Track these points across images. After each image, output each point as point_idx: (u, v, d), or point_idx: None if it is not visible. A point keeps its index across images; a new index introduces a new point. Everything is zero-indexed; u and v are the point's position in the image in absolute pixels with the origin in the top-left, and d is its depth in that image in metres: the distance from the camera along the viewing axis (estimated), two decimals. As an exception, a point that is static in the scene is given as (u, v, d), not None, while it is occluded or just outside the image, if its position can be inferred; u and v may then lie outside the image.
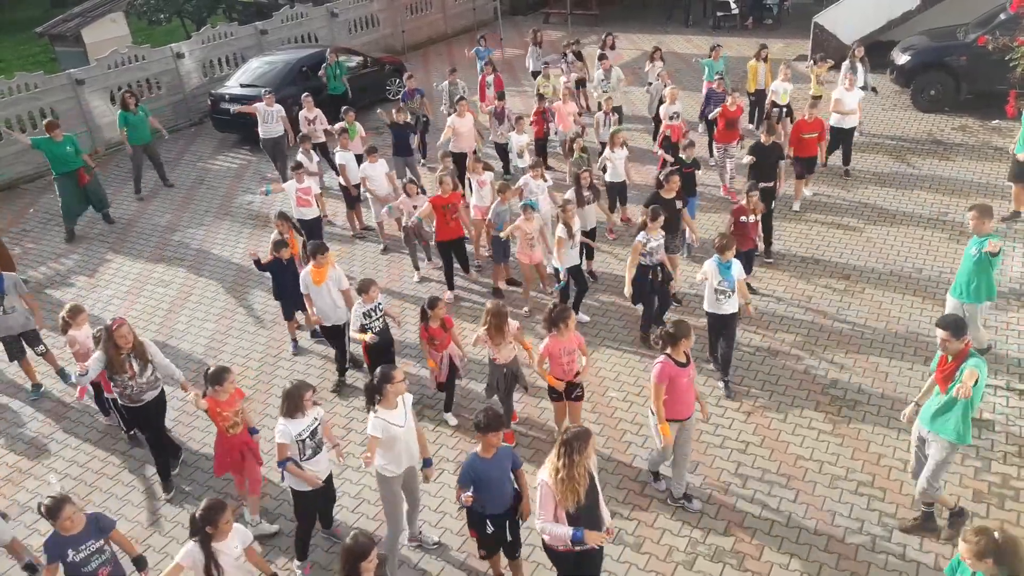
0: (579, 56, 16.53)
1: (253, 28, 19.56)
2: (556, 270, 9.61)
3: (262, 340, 10.06)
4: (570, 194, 10.02)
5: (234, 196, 14.44)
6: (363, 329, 8.02)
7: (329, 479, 6.55)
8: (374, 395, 6.08)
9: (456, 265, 10.60)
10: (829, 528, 6.71)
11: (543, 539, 5.38)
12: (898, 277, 10.36)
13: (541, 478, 5.19)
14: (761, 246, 10.44)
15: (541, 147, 13.73)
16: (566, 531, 5.10)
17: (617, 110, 13.65)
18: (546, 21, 25.51)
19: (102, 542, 5.63)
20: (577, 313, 9.39)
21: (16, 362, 9.25)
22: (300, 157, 11.87)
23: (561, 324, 6.97)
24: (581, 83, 16.44)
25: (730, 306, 8.17)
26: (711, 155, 13.95)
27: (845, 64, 14.08)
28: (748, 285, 9.52)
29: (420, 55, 22.86)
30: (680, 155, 11.01)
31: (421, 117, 14.39)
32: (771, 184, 10.65)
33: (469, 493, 5.51)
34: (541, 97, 13.87)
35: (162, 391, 7.61)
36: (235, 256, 12.20)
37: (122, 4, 22.04)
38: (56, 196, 13.14)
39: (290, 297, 9.25)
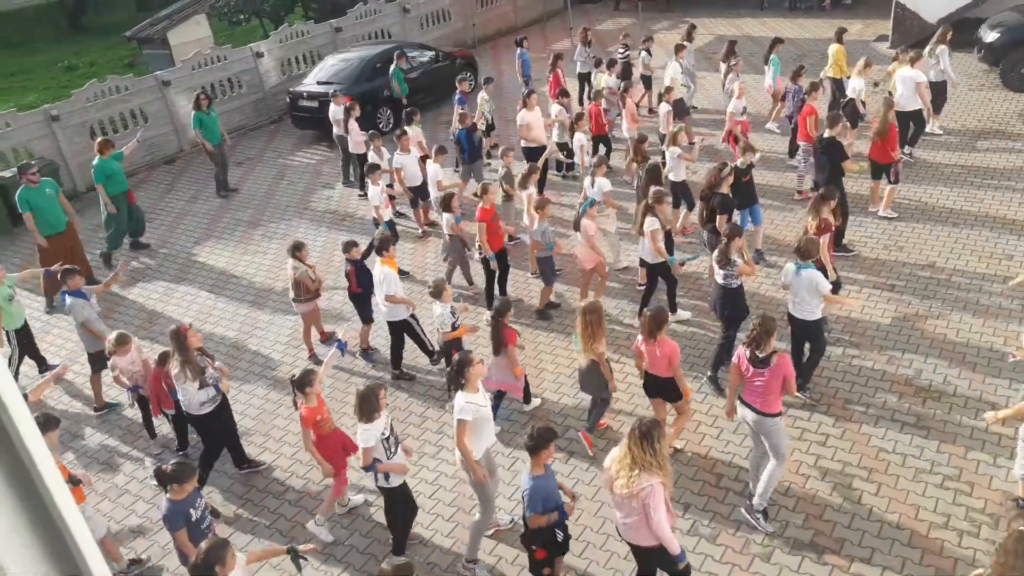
0: (647, 52, 15.80)
1: (328, 26, 20.01)
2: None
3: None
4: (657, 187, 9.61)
5: (313, 191, 14.84)
6: (453, 327, 8.17)
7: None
8: (457, 380, 6.20)
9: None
10: (913, 523, 6.56)
11: (651, 544, 5.33)
12: (986, 264, 9.99)
13: (646, 485, 5.11)
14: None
15: (604, 143, 13.41)
16: (675, 545, 5.24)
17: (679, 103, 13.40)
18: (616, 8, 25.32)
19: (203, 498, 6.03)
20: (674, 312, 9.32)
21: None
22: (372, 157, 12.08)
23: (663, 327, 6.90)
24: (646, 82, 15.97)
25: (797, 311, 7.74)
26: (791, 156, 13.09)
27: (927, 48, 13.27)
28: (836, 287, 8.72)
29: (490, 47, 23.00)
30: (738, 162, 10.10)
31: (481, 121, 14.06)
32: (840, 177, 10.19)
33: (554, 514, 5.59)
34: (598, 94, 13.63)
35: (224, 399, 7.63)
36: (314, 250, 12.56)
37: (205, 6, 22.80)
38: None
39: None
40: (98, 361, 8.97)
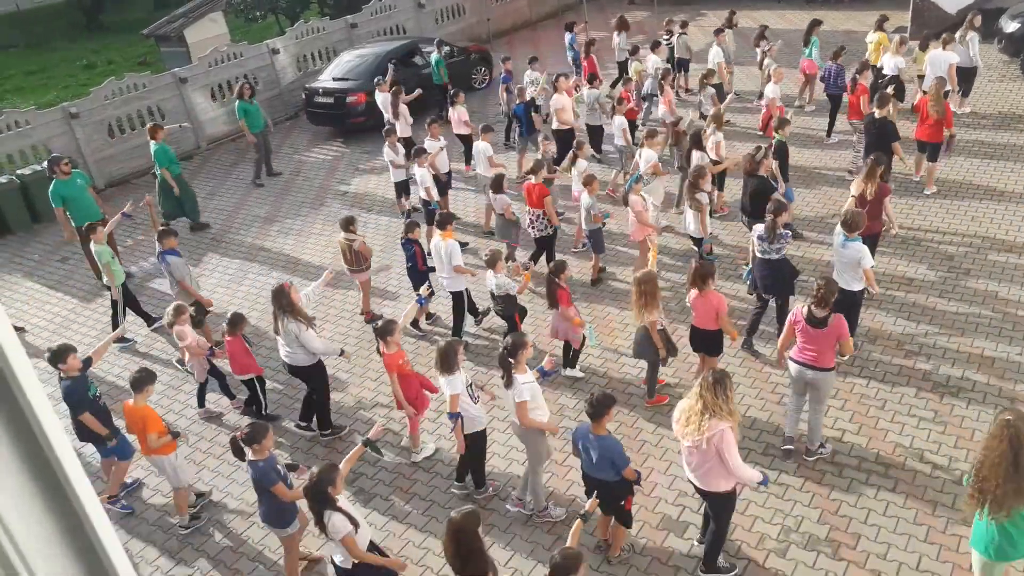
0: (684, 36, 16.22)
1: (344, 22, 20.07)
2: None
3: (356, 327, 10.40)
4: (699, 161, 10.25)
5: (329, 187, 14.91)
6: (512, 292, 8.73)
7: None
8: (510, 361, 6.47)
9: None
10: (929, 519, 6.53)
11: (726, 490, 5.74)
12: (1005, 257, 9.90)
13: (718, 429, 5.44)
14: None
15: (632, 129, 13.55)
16: (755, 474, 5.76)
17: (717, 88, 13.88)
18: (631, 2, 25.20)
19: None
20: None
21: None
22: (387, 154, 12.26)
23: (708, 279, 7.40)
24: (684, 65, 16.27)
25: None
26: (828, 136, 13.68)
27: (958, 34, 13.27)
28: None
29: (505, 42, 22.97)
30: (777, 136, 10.75)
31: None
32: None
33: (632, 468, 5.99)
34: (628, 80, 13.87)
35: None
36: (331, 245, 12.62)
37: (221, 3, 22.92)
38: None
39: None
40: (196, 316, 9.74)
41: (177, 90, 16.94)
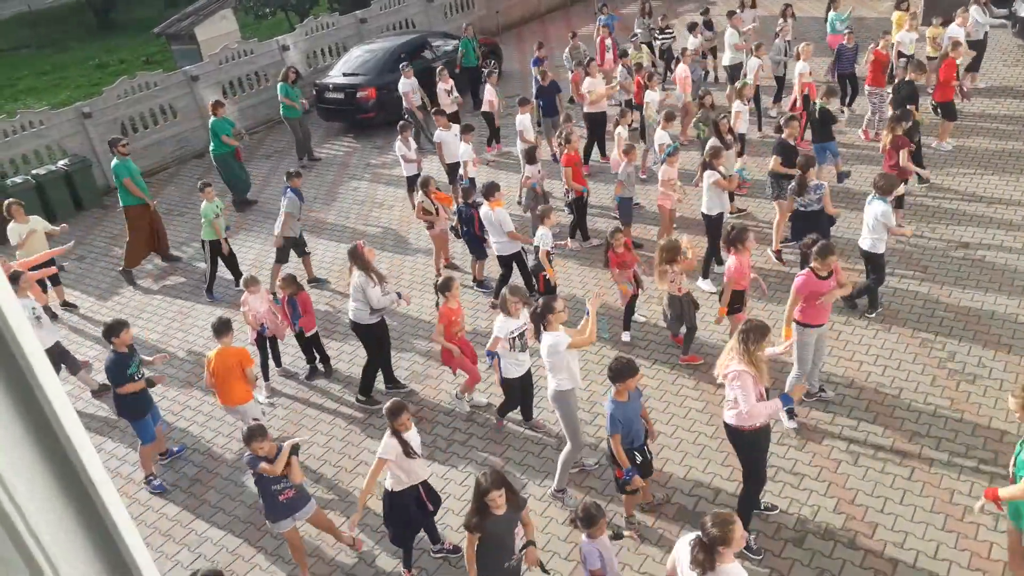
0: (709, 25, 16.24)
1: (353, 17, 20.07)
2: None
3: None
4: (714, 141, 10.39)
5: (341, 182, 14.95)
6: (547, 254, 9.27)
7: (528, 374, 7.71)
8: (540, 322, 6.86)
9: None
10: (947, 507, 6.50)
11: (741, 426, 5.95)
12: (1022, 242, 9.81)
13: (733, 368, 5.85)
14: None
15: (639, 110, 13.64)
16: (775, 403, 5.99)
17: (735, 69, 14.42)
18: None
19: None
20: (706, 276, 10.09)
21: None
22: (399, 148, 12.32)
23: (739, 243, 7.76)
24: (712, 52, 16.37)
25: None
26: (843, 111, 13.74)
27: (973, 8, 13.74)
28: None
29: (514, 35, 22.92)
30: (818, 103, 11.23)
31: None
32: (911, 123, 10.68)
33: (633, 473, 6.16)
34: (639, 67, 13.90)
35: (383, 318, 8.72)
36: (343, 240, 12.66)
37: (231, 1, 22.96)
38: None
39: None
40: (282, 252, 11.00)
41: (188, 88, 17.01)
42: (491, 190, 9.77)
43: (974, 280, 9.28)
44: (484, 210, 9.76)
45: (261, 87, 18.27)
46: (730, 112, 11.91)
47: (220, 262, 11.24)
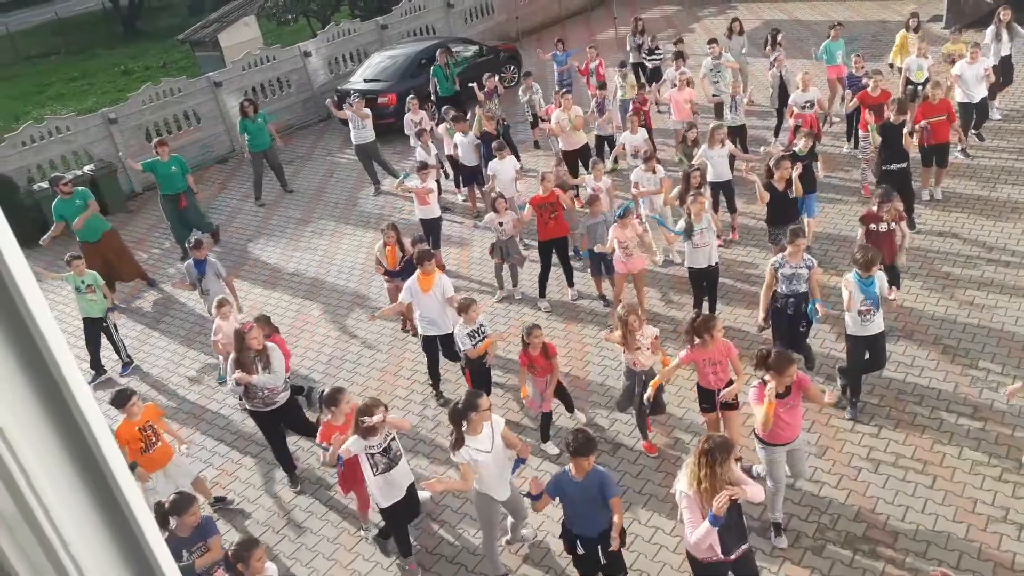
0: (680, 56, 14.07)
1: (374, 24, 20.22)
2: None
3: (389, 329, 10.47)
4: (677, 191, 9.59)
5: (362, 188, 15.03)
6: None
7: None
8: (460, 421, 5.94)
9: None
10: (970, 516, 6.43)
11: (692, 555, 5.27)
12: (1048, 251, 9.70)
13: (679, 489, 5.08)
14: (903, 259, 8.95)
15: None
16: (705, 526, 4.85)
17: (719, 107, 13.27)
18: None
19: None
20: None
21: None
22: (420, 154, 12.23)
23: (705, 334, 6.59)
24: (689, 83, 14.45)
25: (876, 326, 7.33)
26: (855, 147, 12.34)
27: (989, 30, 12.75)
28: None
29: (534, 39, 22.96)
30: (795, 147, 10.05)
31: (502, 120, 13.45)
32: (903, 165, 10.02)
33: (544, 496, 5.61)
34: (634, 87, 13.62)
35: (292, 395, 7.92)
36: (363, 246, 12.74)
37: (254, 8, 23.22)
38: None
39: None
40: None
41: (212, 94, 17.21)
42: (424, 258, 8.41)
43: (997, 287, 9.18)
44: (411, 279, 8.49)
45: (284, 93, 18.46)
46: (699, 156, 10.73)
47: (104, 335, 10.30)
